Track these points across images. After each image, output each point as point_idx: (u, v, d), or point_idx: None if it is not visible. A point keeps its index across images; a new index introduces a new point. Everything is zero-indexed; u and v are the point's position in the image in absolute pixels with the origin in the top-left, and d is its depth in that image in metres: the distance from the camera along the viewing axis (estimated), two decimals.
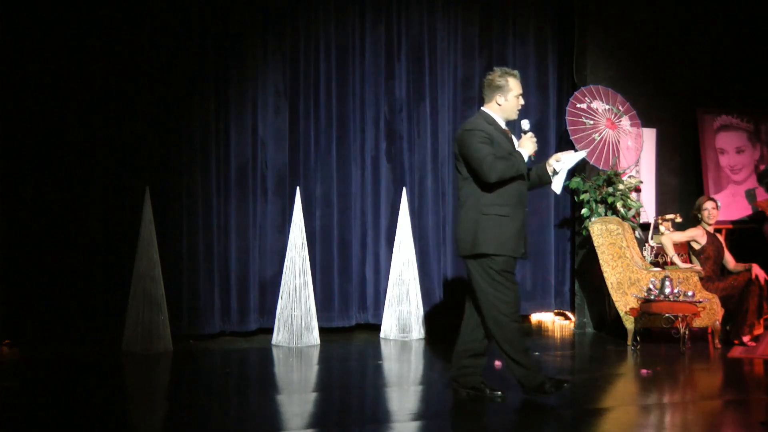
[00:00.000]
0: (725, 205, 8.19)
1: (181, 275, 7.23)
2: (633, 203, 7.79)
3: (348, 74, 7.81)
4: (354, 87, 7.83)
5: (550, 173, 5.15)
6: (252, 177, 7.52)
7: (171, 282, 7.03)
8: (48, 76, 6.98)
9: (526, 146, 5.10)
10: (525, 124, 5.21)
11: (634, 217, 7.82)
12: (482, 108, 5.22)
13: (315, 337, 7.14)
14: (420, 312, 7.48)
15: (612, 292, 7.30)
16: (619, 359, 6.73)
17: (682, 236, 7.46)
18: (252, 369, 6.53)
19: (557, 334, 7.98)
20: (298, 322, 7.07)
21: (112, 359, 6.51)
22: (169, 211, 7.20)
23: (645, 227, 8.06)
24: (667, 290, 6.75)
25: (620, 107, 8.01)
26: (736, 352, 6.81)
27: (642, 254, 7.65)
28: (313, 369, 6.43)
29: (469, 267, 5.09)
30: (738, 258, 7.57)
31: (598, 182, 7.80)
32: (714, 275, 7.37)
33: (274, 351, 6.94)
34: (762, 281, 7.11)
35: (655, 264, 7.63)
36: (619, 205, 7.71)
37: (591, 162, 7.79)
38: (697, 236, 7.43)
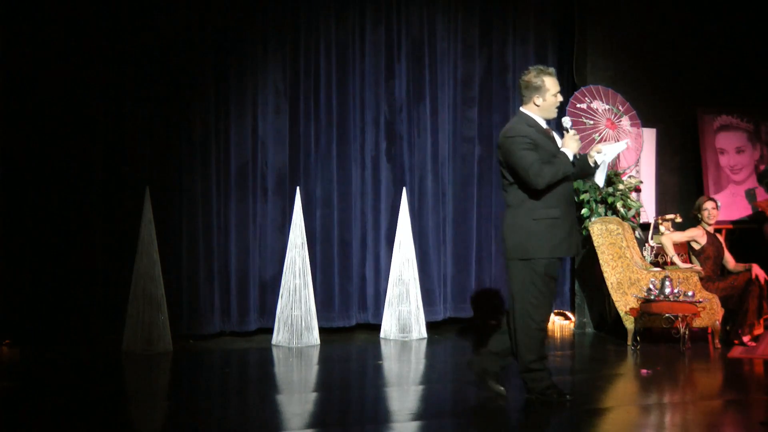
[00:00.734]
0: (725, 205, 8.19)
1: (181, 275, 7.23)
2: (633, 203, 7.79)
3: (348, 74, 7.81)
4: (354, 87, 7.83)
5: (592, 165, 5.08)
6: (252, 177, 7.52)
7: (171, 282, 7.03)
8: (48, 76, 6.98)
9: (570, 145, 5.03)
10: (566, 121, 5.13)
11: (634, 217, 7.82)
12: (521, 109, 5.14)
13: (315, 337, 7.14)
14: (420, 312, 7.47)
15: (612, 292, 7.30)
16: (619, 359, 6.73)
17: (682, 236, 7.46)
18: (252, 369, 6.54)
19: (557, 334, 7.98)
20: (298, 322, 7.07)
21: (112, 359, 6.51)
22: (169, 211, 7.20)
23: (645, 227, 8.06)
24: (667, 290, 6.75)
25: (620, 107, 8.01)
26: (736, 352, 6.81)
27: (642, 254, 7.65)
28: (313, 369, 6.43)
29: (512, 269, 5.05)
30: (738, 258, 7.57)
31: None
32: (714, 275, 7.37)
33: (274, 351, 6.94)
34: (762, 281, 7.11)
35: (655, 264, 7.63)
36: (619, 205, 7.71)
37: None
38: (697, 236, 7.43)
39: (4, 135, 6.92)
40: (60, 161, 7.01)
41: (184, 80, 7.30)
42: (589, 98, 7.97)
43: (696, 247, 7.45)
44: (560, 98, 5.11)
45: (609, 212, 7.76)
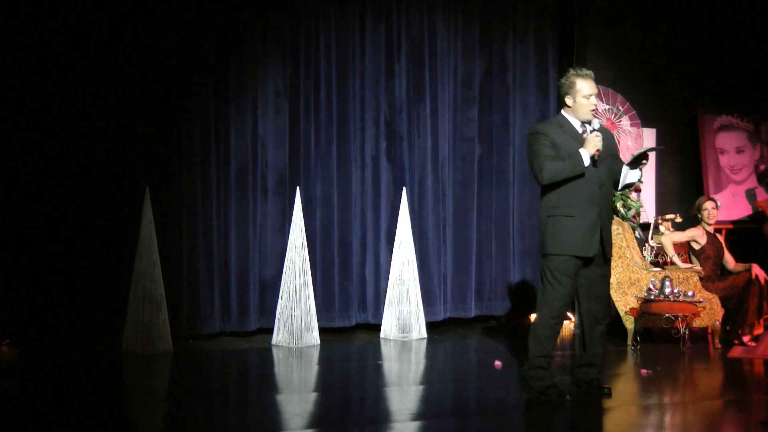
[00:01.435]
0: (725, 205, 8.19)
1: (181, 275, 7.23)
2: (633, 203, 7.79)
3: (348, 74, 7.81)
4: (354, 87, 7.82)
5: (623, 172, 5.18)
6: (252, 177, 7.52)
7: (171, 282, 7.03)
8: (48, 76, 6.97)
9: (587, 145, 5.07)
10: (595, 123, 5.15)
11: (634, 217, 7.82)
12: (562, 110, 5.27)
13: (315, 337, 7.14)
14: (420, 312, 7.47)
15: (612, 292, 7.29)
16: (619, 359, 6.73)
17: (682, 236, 7.46)
18: (252, 369, 6.53)
19: None
20: (298, 322, 7.07)
21: (112, 359, 6.50)
22: (169, 211, 7.20)
23: (645, 227, 8.06)
24: (667, 290, 6.75)
25: (620, 107, 8.01)
26: (736, 352, 6.81)
27: (642, 254, 7.65)
28: (313, 369, 6.43)
29: (541, 265, 5.22)
30: (738, 258, 7.57)
31: None
32: (714, 275, 7.37)
33: (274, 351, 6.94)
34: (762, 281, 7.11)
35: (655, 264, 7.63)
36: (619, 205, 7.70)
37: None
38: (697, 236, 7.43)
39: (4, 135, 6.91)
40: (60, 161, 7.01)
41: (184, 80, 7.30)
42: None
43: (696, 247, 7.45)
44: (593, 101, 5.14)
45: None
